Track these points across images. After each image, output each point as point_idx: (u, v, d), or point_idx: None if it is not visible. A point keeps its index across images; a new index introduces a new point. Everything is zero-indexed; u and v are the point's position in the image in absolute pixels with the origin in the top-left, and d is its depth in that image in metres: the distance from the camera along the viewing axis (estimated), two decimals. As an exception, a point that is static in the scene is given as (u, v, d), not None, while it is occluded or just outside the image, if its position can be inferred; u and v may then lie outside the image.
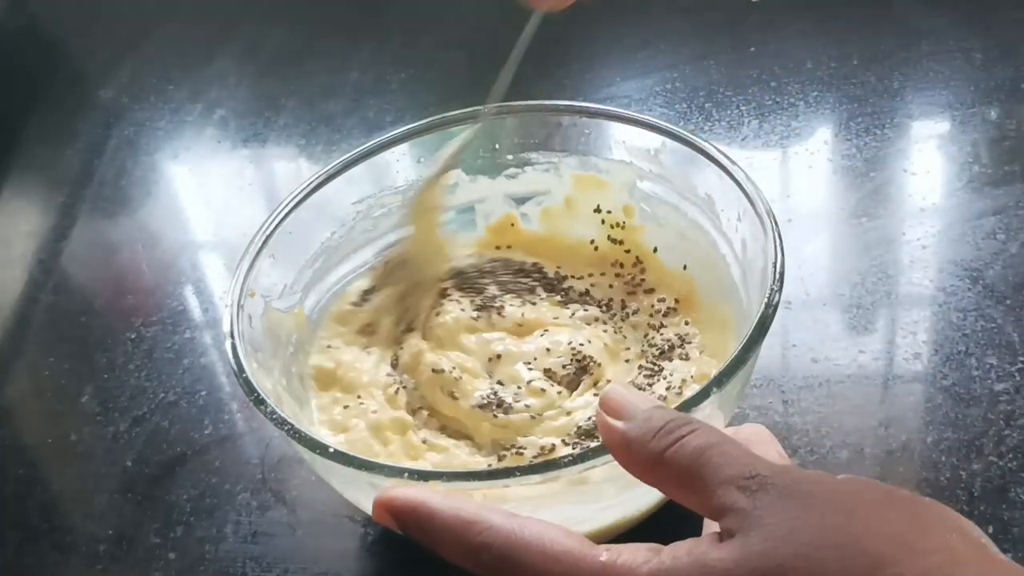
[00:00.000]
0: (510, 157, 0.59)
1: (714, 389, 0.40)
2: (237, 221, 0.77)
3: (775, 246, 0.46)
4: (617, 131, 0.56)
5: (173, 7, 1.06)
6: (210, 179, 0.85)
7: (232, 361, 0.46)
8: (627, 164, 0.56)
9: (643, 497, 0.44)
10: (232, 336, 0.47)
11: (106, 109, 0.93)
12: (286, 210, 0.54)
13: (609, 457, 0.37)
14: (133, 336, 0.68)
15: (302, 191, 0.55)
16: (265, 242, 0.52)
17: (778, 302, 0.43)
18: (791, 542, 0.29)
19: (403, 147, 0.58)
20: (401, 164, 0.58)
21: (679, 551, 0.30)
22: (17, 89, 0.99)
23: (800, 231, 0.66)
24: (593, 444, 0.47)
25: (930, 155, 0.72)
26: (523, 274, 0.59)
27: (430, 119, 0.58)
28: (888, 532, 0.28)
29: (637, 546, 0.31)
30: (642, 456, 0.34)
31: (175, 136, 0.88)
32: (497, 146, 0.59)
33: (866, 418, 0.54)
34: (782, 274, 0.44)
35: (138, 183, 0.83)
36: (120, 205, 0.81)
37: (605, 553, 0.31)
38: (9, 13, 1.09)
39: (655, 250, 0.58)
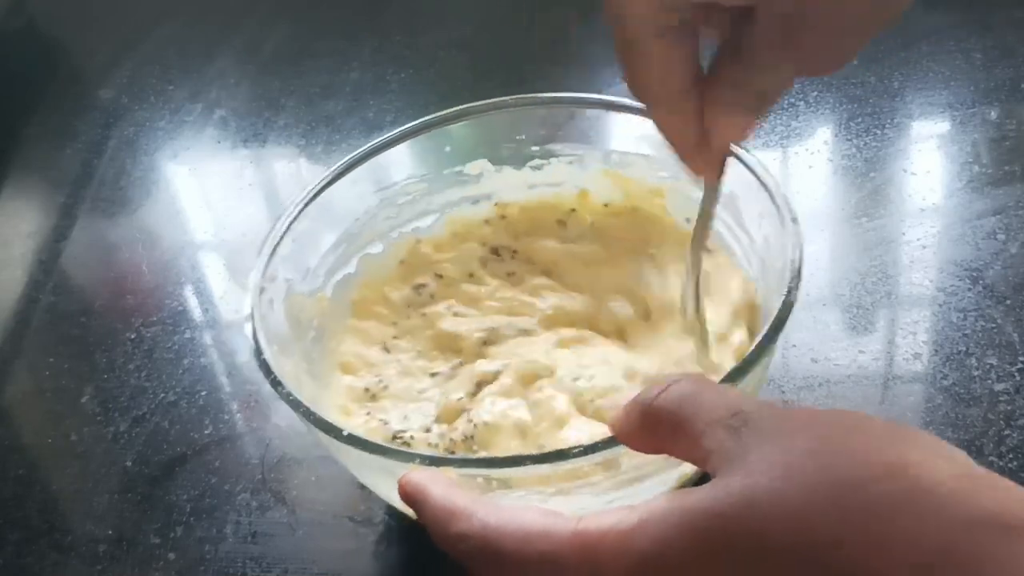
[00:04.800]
0: (535, 148, 0.59)
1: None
2: (237, 221, 0.77)
3: (794, 242, 0.46)
4: (641, 125, 0.56)
5: (173, 7, 1.06)
6: (210, 179, 0.85)
7: (252, 342, 0.46)
8: (650, 158, 0.56)
9: (651, 491, 0.44)
10: (253, 318, 0.47)
11: (106, 109, 0.93)
12: (312, 194, 0.53)
13: (619, 448, 0.37)
14: (133, 336, 0.68)
15: (328, 176, 0.54)
16: (290, 225, 0.52)
17: (795, 299, 0.43)
18: (773, 472, 0.28)
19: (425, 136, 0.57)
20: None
21: (655, 502, 0.29)
22: (17, 89, 0.99)
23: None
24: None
25: (930, 155, 0.72)
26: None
27: (432, 116, 0.57)
28: (873, 453, 0.28)
29: (612, 508, 0.31)
30: (635, 413, 0.34)
31: (175, 136, 0.88)
32: (522, 137, 0.59)
33: (866, 418, 0.54)
34: (799, 270, 0.44)
35: (138, 183, 0.83)
36: (120, 205, 0.81)
37: (579, 521, 0.30)
38: (9, 13, 1.09)
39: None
